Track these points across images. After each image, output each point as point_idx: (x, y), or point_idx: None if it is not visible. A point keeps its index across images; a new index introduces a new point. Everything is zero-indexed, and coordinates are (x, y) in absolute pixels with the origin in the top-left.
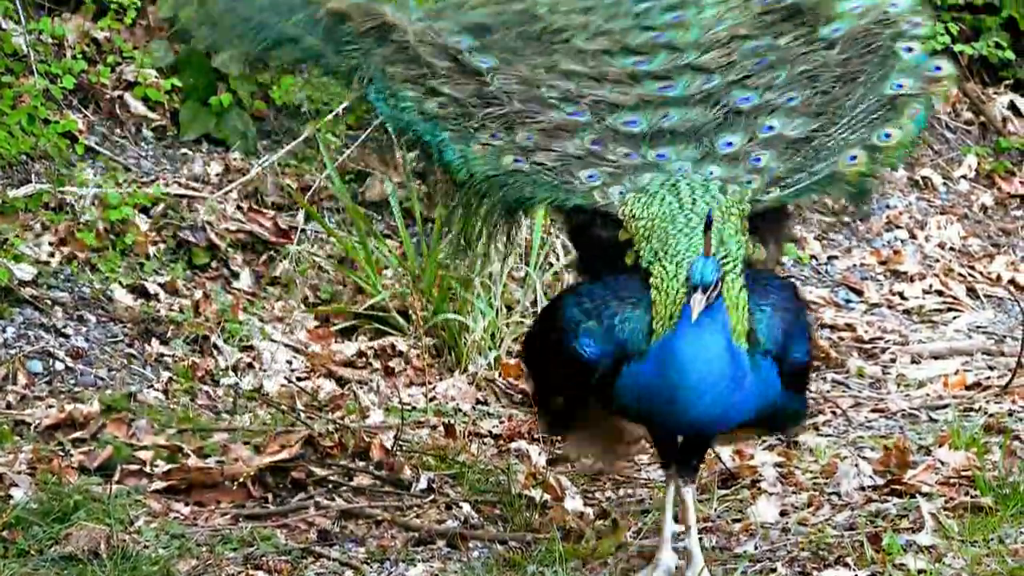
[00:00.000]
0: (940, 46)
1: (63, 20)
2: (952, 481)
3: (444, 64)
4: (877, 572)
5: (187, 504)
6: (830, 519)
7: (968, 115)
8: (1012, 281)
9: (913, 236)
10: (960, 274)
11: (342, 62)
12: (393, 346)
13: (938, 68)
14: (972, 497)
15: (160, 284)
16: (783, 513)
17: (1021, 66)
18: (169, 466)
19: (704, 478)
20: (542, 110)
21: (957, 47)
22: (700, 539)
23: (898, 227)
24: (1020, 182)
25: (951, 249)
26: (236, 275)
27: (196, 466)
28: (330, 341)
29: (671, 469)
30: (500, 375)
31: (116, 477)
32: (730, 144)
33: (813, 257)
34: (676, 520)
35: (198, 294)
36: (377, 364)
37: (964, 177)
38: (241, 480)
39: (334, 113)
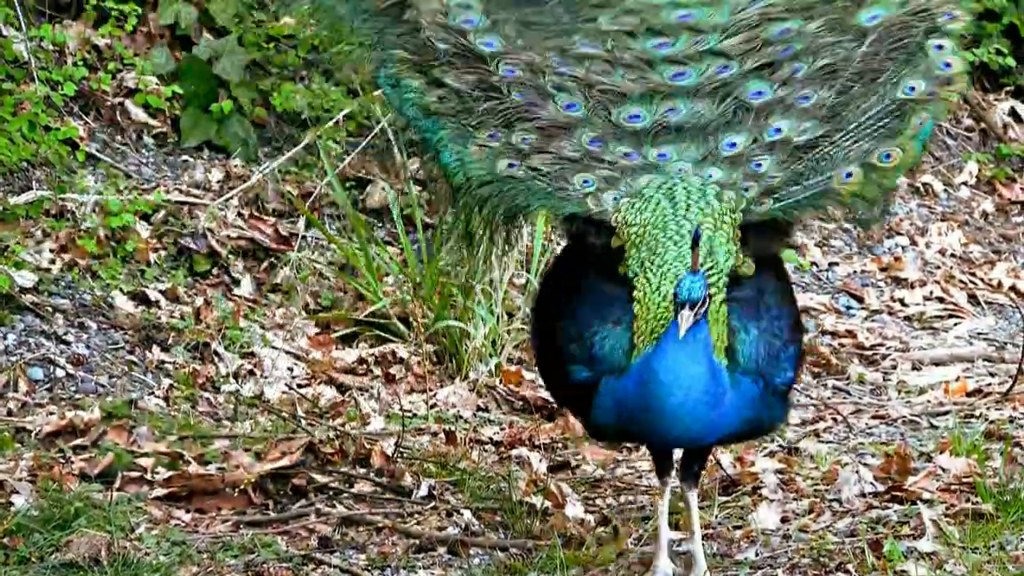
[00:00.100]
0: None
1: (64, 27)
2: (953, 488)
3: (448, 47)
4: None
5: (188, 511)
6: (831, 526)
7: (969, 121)
8: (1013, 288)
9: (914, 242)
10: (961, 281)
11: (362, 37)
12: (394, 353)
13: (947, 65)
14: (973, 504)
15: (161, 291)
16: (784, 520)
17: (1022, 73)
18: (170, 473)
19: (705, 485)
20: (543, 103)
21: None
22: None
23: (899, 233)
24: (1021, 188)
25: (952, 255)
26: (237, 282)
27: (197, 473)
28: (331, 348)
29: (666, 477)
30: (501, 382)
31: (117, 484)
32: (733, 145)
33: (814, 263)
34: (676, 527)
35: (199, 301)
36: (378, 371)
37: (965, 183)
38: (242, 487)
39: (335, 120)
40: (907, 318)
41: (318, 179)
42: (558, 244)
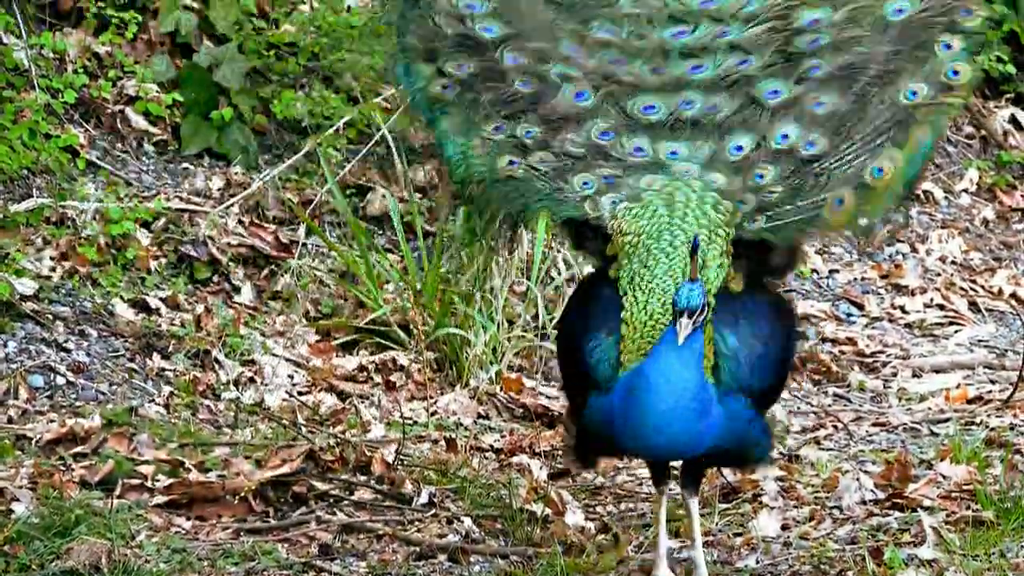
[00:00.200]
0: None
1: (64, 35)
2: (953, 495)
3: (453, 33)
4: None
5: (188, 518)
6: (831, 533)
7: (969, 129)
8: (1013, 295)
9: (914, 250)
10: (961, 288)
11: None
12: (394, 360)
13: (955, 73)
14: (974, 511)
15: (161, 298)
16: (784, 527)
17: (1022, 80)
18: (170, 480)
19: (706, 492)
20: (551, 92)
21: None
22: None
23: (899, 241)
24: (1021, 196)
25: (952, 263)
26: (237, 289)
27: (197, 480)
28: (331, 355)
29: (662, 486)
30: (501, 389)
31: (117, 491)
32: (740, 148)
33: (814, 270)
34: (676, 535)
35: (199, 308)
36: (378, 378)
37: (965, 191)
38: (242, 494)
39: (335, 128)
40: (908, 325)
41: (318, 186)
42: (559, 251)
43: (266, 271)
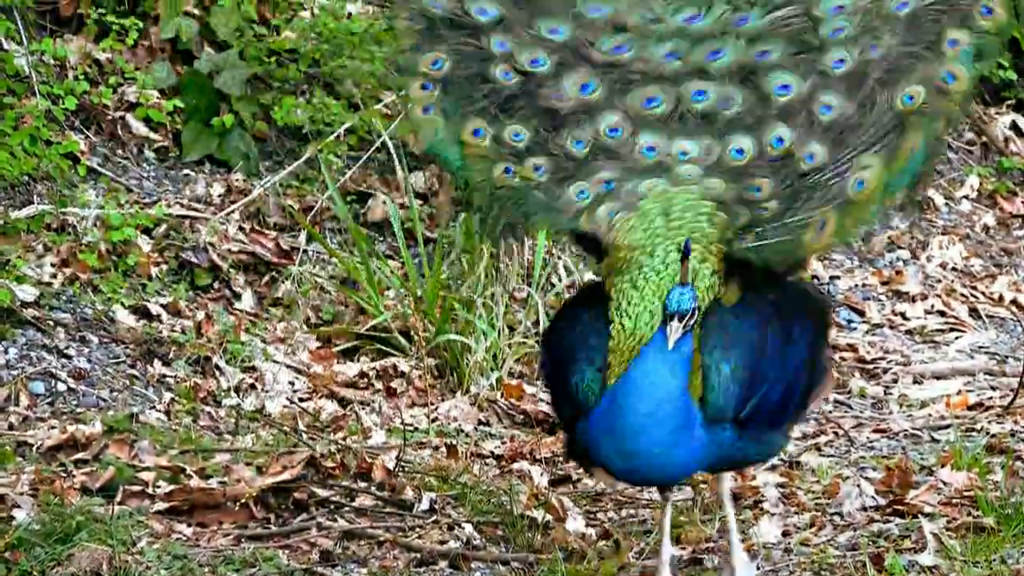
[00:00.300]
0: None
1: (65, 41)
2: (954, 501)
3: (446, 14)
4: None
5: (189, 525)
6: (832, 539)
7: (970, 135)
8: (1014, 301)
9: (915, 256)
10: (962, 294)
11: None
12: (395, 367)
13: (952, 78)
14: (974, 517)
15: (162, 305)
16: (785, 533)
17: (1023, 86)
18: (171, 487)
19: (706, 499)
20: (556, 83)
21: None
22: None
23: (900, 247)
24: (1022, 202)
25: (953, 269)
26: (238, 296)
27: (198, 487)
28: (332, 362)
29: (667, 492)
30: (502, 396)
31: (118, 498)
32: (741, 152)
33: (815, 277)
34: (677, 541)
35: (200, 315)
36: (379, 385)
37: (966, 197)
38: (243, 501)
39: (336, 134)
40: (908, 331)
41: (319, 193)
42: (560, 257)
43: (267, 278)
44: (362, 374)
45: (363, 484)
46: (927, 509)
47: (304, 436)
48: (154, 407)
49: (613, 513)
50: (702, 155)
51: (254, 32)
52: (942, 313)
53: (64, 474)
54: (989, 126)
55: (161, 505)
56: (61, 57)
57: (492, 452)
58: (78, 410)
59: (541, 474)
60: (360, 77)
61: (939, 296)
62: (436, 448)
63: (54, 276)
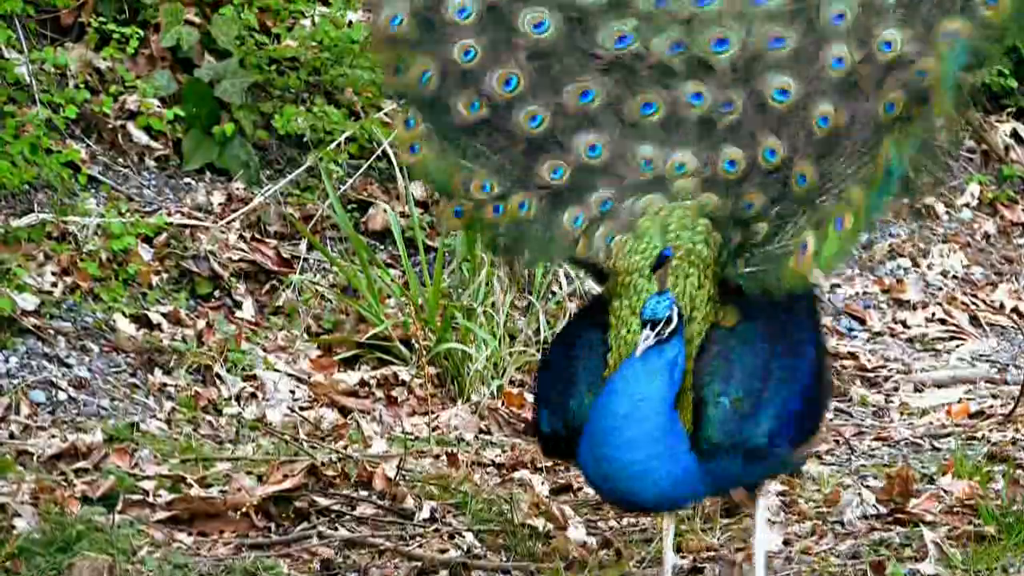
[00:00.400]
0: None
1: (65, 49)
2: (955, 510)
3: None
4: None
5: (190, 534)
6: (833, 548)
7: (970, 143)
8: (1015, 309)
9: (916, 264)
10: (963, 302)
11: None
12: (396, 375)
13: (921, 74)
14: (975, 526)
15: (163, 314)
16: (786, 542)
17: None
18: (172, 496)
19: (707, 507)
20: (556, 95)
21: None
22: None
23: (901, 255)
24: (1023, 210)
25: (954, 277)
26: (239, 304)
27: (199, 496)
28: (333, 370)
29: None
30: (503, 404)
31: (119, 507)
32: (733, 164)
33: (815, 285)
34: (679, 550)
35: (201, 324)
36: (380, 393)
37: (967, 205)
38: (244, 510)
39: (336, 143)
40: (909, 340)
41: (320, 201)
42: (560, 265)
43: (267, 286)
44: (363, 383)
45: (364, 493)
46: (928, 518)
47: (305, 445)
48: (155, 416)
49: (614, 522)
50: (699, 167)
51: (255, 40)
52: (943, 321)
53: (65, 483)
54: (990, 134)
55: (162, 514)
56: (62, 65)
57: (493, 461)
58: (79, 419)
59: (542, 483)
60: (361, 85)
61: (940, 304)
62: (437, 457)
63: (55, 285)
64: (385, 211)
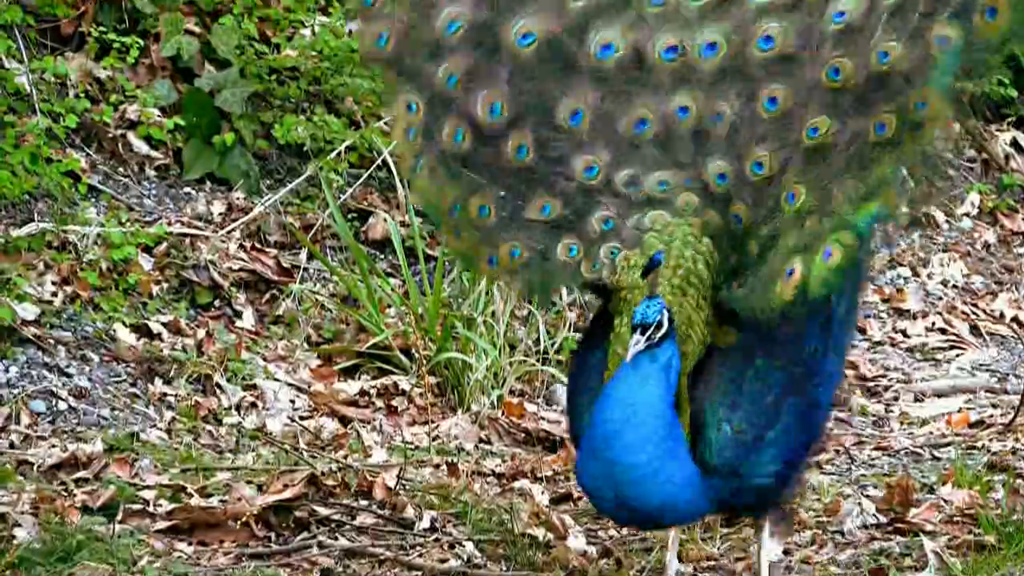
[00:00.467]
0: None
1: (66, 59)
2: (955, 519)
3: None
4: None
5: (190, 544)
6: (833, 557)
7: (970, 152)
8: (1015, 319)
9: (916, 274)
10: (963, 312)
11: None
12: (396, 385)
13: (921, 104)
14: (976, 535)
15: (163, 323)
16: (786, 551)
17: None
18: (172, 506)
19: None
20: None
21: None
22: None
23: (900, 265)
24: (1023, 219)
25: (954, 287)
26: (239, 314)
27: (199, 505)
28: (333, 380)
29: None
30: (503, 414)
31: (119, 517)
32: (723, 178)
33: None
34: (680, 560)
35: (201, 333)
36: (380, 403)
37: (967, 214)
38: (244, 519)
39: (336, 152)
40: (909, 349)
41: (320, 211)
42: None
43: (268, 296)
44: (363, 392)
45: (364, 502)
46: (928, 527)
47: (305, 454)
48: (155, 426)
49: (614, 531)
50: (694, 184)
51: (255, 50)
52: (943, 331)
53: (65, 493)
54: (990, 143)
55: (162, 524)
56: (62, 75)
57: (493, 470)
58: (79, 429)
59: (542, 492)
60: (361, 95)
61: (940, 314)
62: (437, 466)
63: (55, 294)
64: (385, 220)
